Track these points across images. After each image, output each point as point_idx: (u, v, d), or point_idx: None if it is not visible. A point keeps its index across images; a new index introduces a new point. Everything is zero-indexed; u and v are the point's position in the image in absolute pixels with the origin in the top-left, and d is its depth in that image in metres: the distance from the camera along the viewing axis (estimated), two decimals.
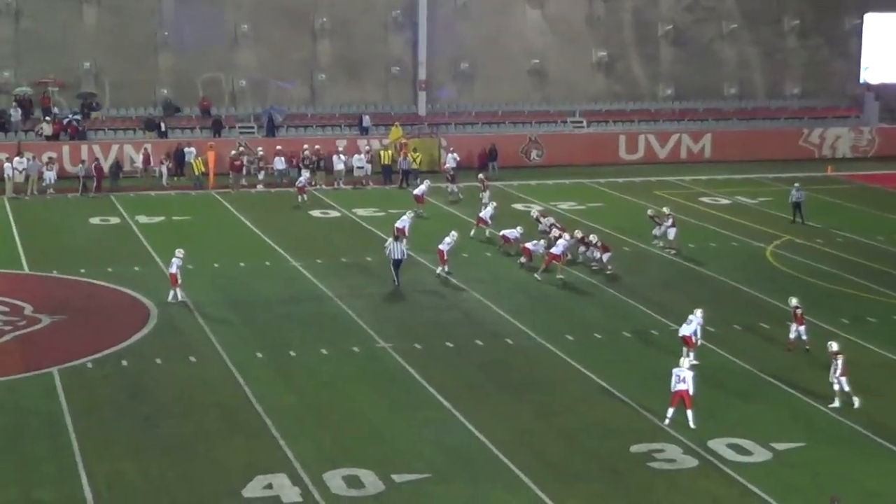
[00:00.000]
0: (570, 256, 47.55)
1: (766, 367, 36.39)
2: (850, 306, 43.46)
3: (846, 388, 33.10)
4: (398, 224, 49.00)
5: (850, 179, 70.51)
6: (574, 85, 79.31)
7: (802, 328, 37.78)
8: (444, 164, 68.81)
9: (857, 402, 33.04)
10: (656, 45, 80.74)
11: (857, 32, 79.85)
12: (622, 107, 79.34)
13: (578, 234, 48.74)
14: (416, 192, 59.18)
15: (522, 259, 48.04)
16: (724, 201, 63.45)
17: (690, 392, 31.20)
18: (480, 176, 62.12)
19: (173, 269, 42.57)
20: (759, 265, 49.73)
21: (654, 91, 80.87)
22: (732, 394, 34.29)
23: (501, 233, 50.74)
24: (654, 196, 63.91)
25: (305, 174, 62.70)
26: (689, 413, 31.25)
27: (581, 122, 77.46)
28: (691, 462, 29.46)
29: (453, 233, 47.84)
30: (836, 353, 33.38)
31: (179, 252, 43.14)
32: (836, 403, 33.10)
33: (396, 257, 45.45)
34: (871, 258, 50.53)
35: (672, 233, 50.74)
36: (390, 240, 46.50)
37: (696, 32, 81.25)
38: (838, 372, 33.07)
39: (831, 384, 33.23)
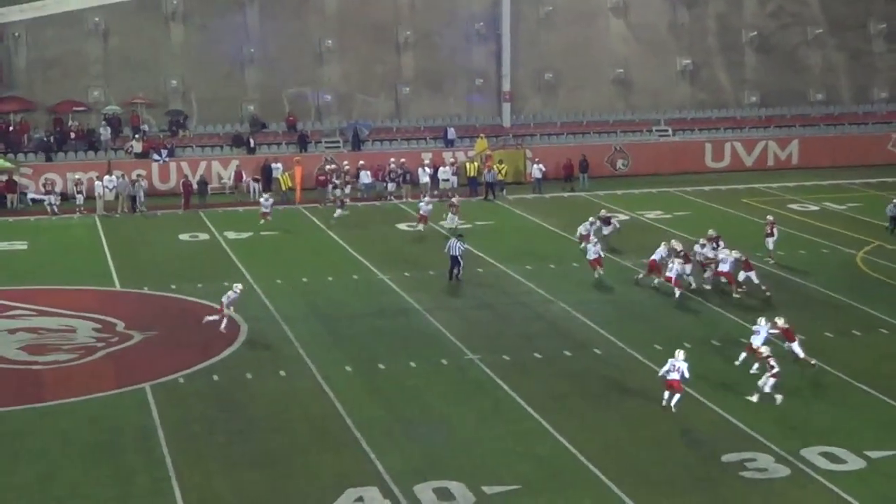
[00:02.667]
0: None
1: (859, 375, 35.96)
2: None
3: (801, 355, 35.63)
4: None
5: None
6: (659, 93, 78.95)
7: (794, 344, 36.84)
8: (530, 174, 68.88)
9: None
10: (741, 51, 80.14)
11: None
12: (707, 114, 78.80)
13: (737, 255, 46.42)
14: (589, 257, 48.42)
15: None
16: (813, 208, 62.83)
17: (680, 378, 33.05)
18: (454, 200, 59.32)
19: (225, 300, 41.55)
20: (850, 271, 49.20)
21: (740, 98, 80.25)
22: (825, 401, 33.93)
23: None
24: (742, 204, 63.46)
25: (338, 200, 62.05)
26: (676, 396, 32.93)
27: (666, 130, 77.01)
28: (784, 471, 29.16)
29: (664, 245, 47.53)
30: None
31: (237, 287, 42.08)
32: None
33: (453, 254, 47.52)
34: None
35: (770, 242, 50.26)
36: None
37: (781, 38, 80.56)
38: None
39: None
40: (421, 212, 56.62)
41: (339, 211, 59.97)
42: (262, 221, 58.63)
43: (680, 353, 33.45)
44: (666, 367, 33.32)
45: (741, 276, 45.14)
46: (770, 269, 48.97)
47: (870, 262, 50.43)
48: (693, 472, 29.27)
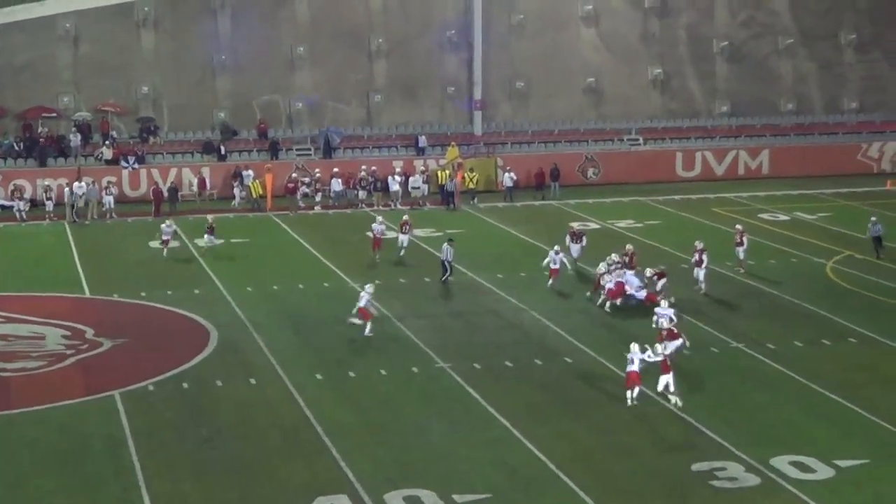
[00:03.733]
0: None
1: (828, 384, 36.12)
2: None
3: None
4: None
5: None
6: (630, 102, 79.10)
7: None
8: (502, 183, 69.01)
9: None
10: (712, 61, 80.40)
11: None
12: (678, 124, 79.02)
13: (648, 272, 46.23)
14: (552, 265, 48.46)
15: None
16: (783, 217, 63.08)
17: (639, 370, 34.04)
18: (405, 218, 55.25)
19: (362, 303, 41.55)
20: (820, 281, 49.40)
21: (711, 108, 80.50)
22: (794, 411, 34.02)
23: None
24: (712, 213, 63.67)
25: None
26: (636, 390, 34.00)
27: (637, 139, 77.25)
28: (754, 480, 29.25)
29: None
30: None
31: (369, 287, 42.30)
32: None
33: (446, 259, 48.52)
34: None
35: (741, 251, 50.34)
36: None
37: (752, 48, 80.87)
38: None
39: None
40: (376, 234, 52.83)
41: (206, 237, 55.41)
42: (165, 250, 53.45)
43: (634, 346, 34.16)
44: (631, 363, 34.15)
45: (658, 285, 45.09)
46: (740, 278, 49.16)
47: (840, 272, 50.66)
48: (663, 481, 29.31)
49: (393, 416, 33.84)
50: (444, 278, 48.65)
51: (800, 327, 42.33)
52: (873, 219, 54.25)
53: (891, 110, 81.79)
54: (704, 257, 47.15)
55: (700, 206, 66.37)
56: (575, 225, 54.60)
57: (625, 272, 45.39)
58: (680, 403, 34.06)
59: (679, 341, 37.68)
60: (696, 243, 47.68)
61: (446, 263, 48.73)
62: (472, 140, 74.68)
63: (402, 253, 52.36)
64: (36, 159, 67.94)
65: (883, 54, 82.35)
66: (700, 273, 47.22)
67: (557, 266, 47.43)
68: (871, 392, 35.54)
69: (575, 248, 50.97)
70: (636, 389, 33.98)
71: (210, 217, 57.88)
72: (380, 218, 54.27)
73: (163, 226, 54.30)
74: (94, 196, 63.22)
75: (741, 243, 50.24)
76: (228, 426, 33.04)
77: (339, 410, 34.31)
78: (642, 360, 34.31)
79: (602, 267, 45.68)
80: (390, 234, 53.73)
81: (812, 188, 71.35)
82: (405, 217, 54.96)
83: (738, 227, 51.87)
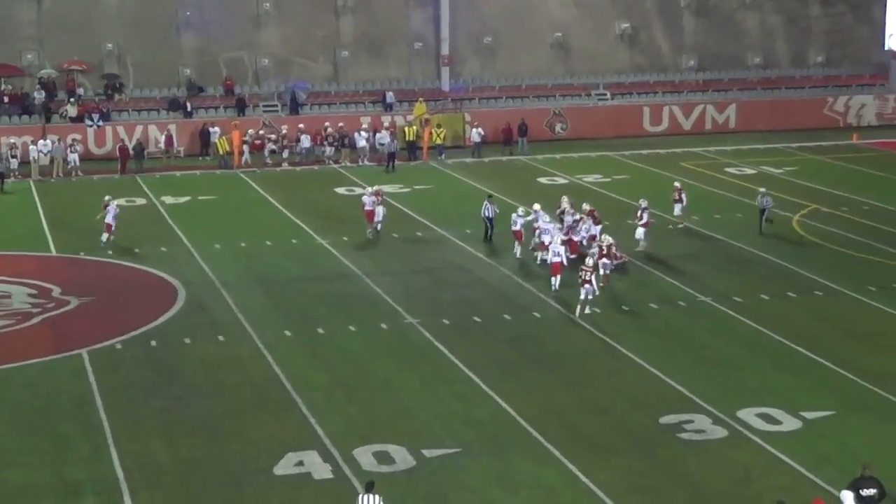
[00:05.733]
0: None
1: (794, 337, 36.35)
2: (878, 274, 43.36)
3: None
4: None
5: (876, 147, 70.17)
6: (597, 57, 78.98)
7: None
8: (469, 138, 68.93)
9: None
10: (679, 15, 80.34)
11: None
12: (646, 78, 79.02)
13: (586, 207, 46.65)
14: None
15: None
16: (750, 171, 63.24)
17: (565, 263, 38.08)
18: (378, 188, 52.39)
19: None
20: (786, 234, 49.56)
21: (678, 62, 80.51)
22: (761, 363, 34.22)
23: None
24: (680, 168, 63.81)
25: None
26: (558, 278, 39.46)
27: (605, 94, 77.20)
28: (721, 432, 29.45)
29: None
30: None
31: (537, 207, 45.68)
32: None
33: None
34: None
35: (678, 208, 49.99)
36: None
37: (719, 2, 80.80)
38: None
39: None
40: (366, 207, 49.80)
41: None
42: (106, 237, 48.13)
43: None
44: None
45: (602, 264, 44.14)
46: (708, 231, 49.28)
47: (806, 225, 50.88)
48: (631, 435, 29.49)
49: (362, 373, 33.88)
50: (488, 236, 48.17)
51: (766, 281, 42.51)
52: (762, 190, 51.42)
53: (856, 63, 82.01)
54: (646, 216, 46.90)
55: (667, 160, 66.45)
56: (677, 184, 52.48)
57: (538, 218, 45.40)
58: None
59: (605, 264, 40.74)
60: (641, 202, 47.60)
61: (487, 221, 48.13)
62: (440, 96, 74.54)
63: (378, 227, 49.63)
64: None
65: (848, 7, 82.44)
66: (641, 231, 46.83)
67: (519, 228, 46.15)
68: (837, 344, 35.81)
69: (677, 207, 50.40)
70: (558, 278, 38.71)
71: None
72: (370, 189, 51.67)
73: (109, 207, 48.16)
74: (59, 154, 62.83)
75: (679, 200, 49.98)
76: (197, 384, 33.03)
77: (308, 367, 34.35)
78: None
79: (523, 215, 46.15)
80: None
81: (779, 142, 71.50)
82: (377, 187, 52.17)
83: (676, 184, 51.55)
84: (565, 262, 41.47)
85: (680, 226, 50.07)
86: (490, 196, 50.01)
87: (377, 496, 23.70)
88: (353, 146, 66.62)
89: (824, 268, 44.01)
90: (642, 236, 46.81)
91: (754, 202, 50.43)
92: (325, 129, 67.06)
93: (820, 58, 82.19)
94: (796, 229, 50.41)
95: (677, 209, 50.23)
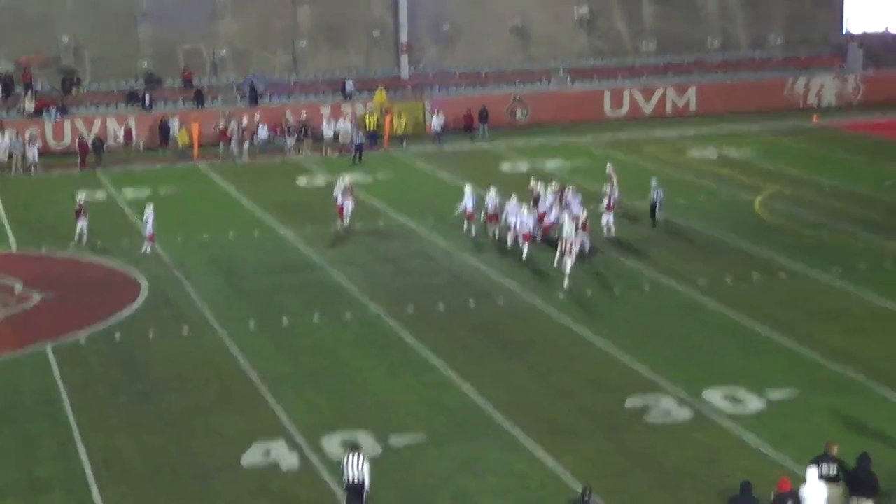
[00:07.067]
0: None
1: (758, 318, 36.65)
2: (841, 254, 43.69)
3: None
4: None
5: (836, 128, 70.63)
6: (557, 42, 79.18)
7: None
8: (430, 126, 69.01)
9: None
10: None
11: None
12: (606, 63, 79.28)
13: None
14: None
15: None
16: (711, 154, 63.53)
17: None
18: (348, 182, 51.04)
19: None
20: (748, 217, 49.92)
21: (637, 46, 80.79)
22: (725, 345, 34.49)
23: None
24: (642, 152, 64.08)
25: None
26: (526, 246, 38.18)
27: (565, 79, 77.32)
28: (686, 414, 29.73)
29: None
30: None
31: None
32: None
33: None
34: (858, 206, 50.78)
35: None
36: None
37: None
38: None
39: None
40: (338, 201, 48.96)
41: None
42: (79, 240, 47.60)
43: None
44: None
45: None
46: (671, 215, 49.38)
47: (768, 208, 51.22)
48: (597, 419, 29.72)
49: (328, 363, 34.03)
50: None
51: (729, 263, 42.79)
52: (654, 183, 49.76)
53: (815, 45, 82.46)
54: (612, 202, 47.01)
55: (629, 145, 66.68)
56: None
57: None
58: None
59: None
60: (606, 187, 47.73)
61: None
62: (400, 84, 74.57)
63: (347, 222, 48.71)
64: None
65: None
66: (609, 218, 46.91)
67: (471, 209, 46.82)
68: (799, 325, 36.12)
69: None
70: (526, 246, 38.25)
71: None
72: (343, 181, 49.99)
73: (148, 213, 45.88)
74: (17, 149, 62.61)
75: (611, 183, 48.65)
76: (163, 378, 33.07)
77: (273, 358, 34.46)
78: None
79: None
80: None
81: (739, 124, 71.81)
82: (349, 180, 51.11)
83: (610, 166, 50.24)
84: (534, 232, 42.91)
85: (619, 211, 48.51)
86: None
87: (362, 456, 24.58)
88: (318, 137, 66.52)
89: (786, 249, 44.35)
90: (612, 222, 46.87)
91: (715, 185, 50.65)
92: (287, 120, 67.00)
93: (779, 40, 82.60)
94: (758, 212, 50.73)
95: (607, 188, 47.96)
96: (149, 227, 45.17)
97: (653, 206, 48.80)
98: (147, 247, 45.11)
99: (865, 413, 29.56)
